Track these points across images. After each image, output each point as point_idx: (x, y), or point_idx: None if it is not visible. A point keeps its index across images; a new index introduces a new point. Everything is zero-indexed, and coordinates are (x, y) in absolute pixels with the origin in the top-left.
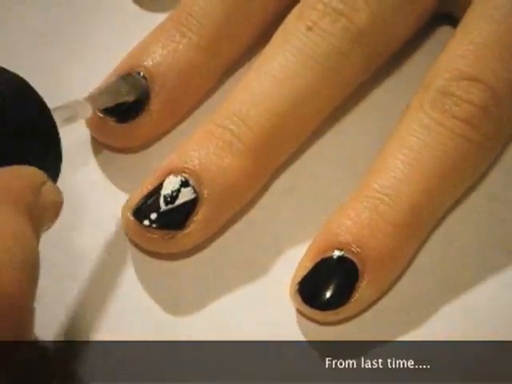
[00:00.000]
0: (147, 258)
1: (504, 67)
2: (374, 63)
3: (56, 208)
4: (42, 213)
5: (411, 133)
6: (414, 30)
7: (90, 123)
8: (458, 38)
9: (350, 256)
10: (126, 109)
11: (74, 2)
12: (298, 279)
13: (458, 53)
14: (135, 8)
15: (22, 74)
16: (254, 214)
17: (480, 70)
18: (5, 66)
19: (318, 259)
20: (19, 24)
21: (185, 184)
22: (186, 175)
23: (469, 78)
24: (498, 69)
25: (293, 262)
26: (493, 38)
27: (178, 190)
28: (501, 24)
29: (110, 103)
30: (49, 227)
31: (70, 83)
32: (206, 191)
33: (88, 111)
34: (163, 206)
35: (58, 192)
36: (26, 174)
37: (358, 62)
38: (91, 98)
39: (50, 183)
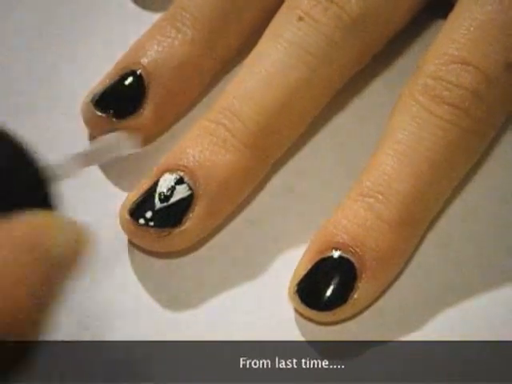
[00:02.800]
0: (146, 258)
1: (495, 49)
2: (368, 53)
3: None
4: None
5: (401, 125)
6: (409, 17)
7: (89, 123)
8: (449, 23)
9: (347, 256)
10: (124, 107)
11: (74, 1)
12: (297, 280)
13: (448, 37)
14: (135, 8)
15: (21, 75)
16: (254, 213)
17: (471, 53)
18: (4, 65)
19: (316, 260)
20: (19, 24)
21: (180, 181)
22: (181, 172)
23: (459, 61)
24: (489, 51)
25: (292, 262)
26: (483, 20)
27: (173, 188)
28: (492, 5)
29: (101, 161)
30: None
31: (69, 83)
32: (201, 188)
33: (74, 172)
34: (158, 204)
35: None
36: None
37: (352, 52)
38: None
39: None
